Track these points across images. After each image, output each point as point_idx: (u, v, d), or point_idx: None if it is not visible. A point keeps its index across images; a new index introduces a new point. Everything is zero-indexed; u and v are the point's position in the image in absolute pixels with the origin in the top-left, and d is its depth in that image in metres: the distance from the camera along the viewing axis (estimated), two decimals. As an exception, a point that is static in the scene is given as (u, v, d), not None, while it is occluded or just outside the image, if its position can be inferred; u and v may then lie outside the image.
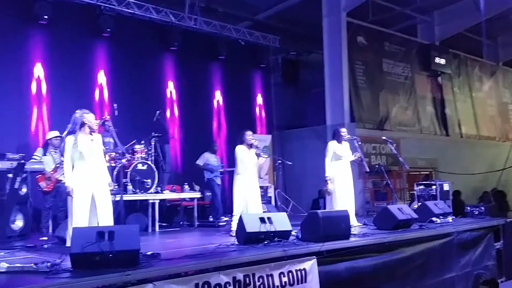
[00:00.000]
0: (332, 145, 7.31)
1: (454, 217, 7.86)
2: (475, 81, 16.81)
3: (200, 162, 9.08)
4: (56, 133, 7.36)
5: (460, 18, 14.63)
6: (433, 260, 6.32)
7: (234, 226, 6.19)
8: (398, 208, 6.85)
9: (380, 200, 11.70)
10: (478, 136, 16.20)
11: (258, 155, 6.76)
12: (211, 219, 8.82)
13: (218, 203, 8.88)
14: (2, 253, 5.01)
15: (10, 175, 5.97)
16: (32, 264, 3.87)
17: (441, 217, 7.47)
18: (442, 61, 14.86)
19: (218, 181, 9.12)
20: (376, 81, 13.08)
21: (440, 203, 8.08)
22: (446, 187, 9.29)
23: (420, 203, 8.32)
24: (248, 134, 6.72)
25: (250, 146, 6.70)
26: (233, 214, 6.54)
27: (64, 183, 6.35)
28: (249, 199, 6.55)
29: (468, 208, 8.79)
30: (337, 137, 7.35)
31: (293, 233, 5.55)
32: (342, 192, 7.19)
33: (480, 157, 15.28)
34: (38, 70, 8.71)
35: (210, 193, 9.15)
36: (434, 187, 9.12)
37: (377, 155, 12.49)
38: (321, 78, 12.30)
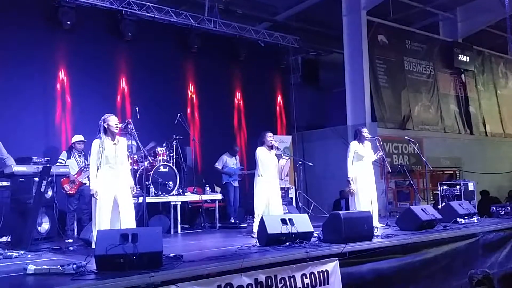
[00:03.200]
0: (354, 145, 7.27)
1: (479, 217, 7.72)
2: (499, 78, 16.45)
3: (219, 165, 9.11)
4: (80, 137, 7.51)
5: (483, 14, 14.34)
6: (457, 261, 6.21)
7: (255, 227, 6.20)
8: (421, 208, 6.77)
9: (403, 201, 11.56)
10: (503, 134, 15.84)
11: (279, 157, 6.76)
12: (233, 221, 8.85)
13: (230, 208, 8.92)
14: (29, 255, 5.15)
15: (36, 179, 6.09)
16: (59, 266, 3.94)
17: (466, 217, 7.35)
18: (466, 58, 14.58)
19: (236, 183, 9.13)
20: (397, 80, 12.92)
21: (464, 203, 7.95)
22: (470, 186, 9.14)
23: (444, 203, 8.19)
24: (269, 136, 6.73)
25: (271, 147, 6.71)
26: (255, 215, 6.55)
27: (87, 186, 6.50)
28: (270, 201, 6.56)
29: (494, 208, 8.59)
30: (359, 137, 7.31)
31: (314, 234, 5.53)
32: (364, 193, 7.13)
33: (506, 156, 14.95)
34: (62, 75, 8.89)
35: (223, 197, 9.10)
36: (458, 187, 8.98)
37: (399, 155, 12.34)
38: (342, 78, 12.21)
